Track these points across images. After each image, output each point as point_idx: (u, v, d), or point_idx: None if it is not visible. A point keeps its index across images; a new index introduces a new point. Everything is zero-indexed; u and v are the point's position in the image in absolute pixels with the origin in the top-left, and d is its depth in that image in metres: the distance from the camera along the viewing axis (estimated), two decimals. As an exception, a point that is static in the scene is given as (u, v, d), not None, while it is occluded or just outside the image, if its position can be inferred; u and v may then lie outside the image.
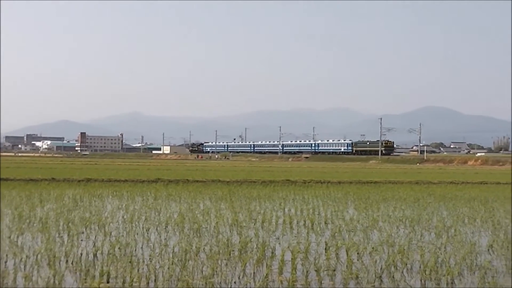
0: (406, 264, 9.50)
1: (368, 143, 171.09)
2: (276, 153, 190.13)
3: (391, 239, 11.80)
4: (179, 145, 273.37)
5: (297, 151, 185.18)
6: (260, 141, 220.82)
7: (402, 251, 10.31)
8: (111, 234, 12.24)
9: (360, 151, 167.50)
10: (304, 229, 13.72)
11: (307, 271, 8.88)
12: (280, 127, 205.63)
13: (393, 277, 8.76)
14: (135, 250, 10.55)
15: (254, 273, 8.95)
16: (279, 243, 11.43)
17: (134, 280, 8.28)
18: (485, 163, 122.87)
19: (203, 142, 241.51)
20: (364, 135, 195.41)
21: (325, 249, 10.70)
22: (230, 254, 10.20)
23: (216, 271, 8.87)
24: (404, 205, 19.63)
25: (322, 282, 8.44)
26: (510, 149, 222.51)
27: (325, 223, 14.75)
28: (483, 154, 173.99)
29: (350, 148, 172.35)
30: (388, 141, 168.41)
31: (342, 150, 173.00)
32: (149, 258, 9.76)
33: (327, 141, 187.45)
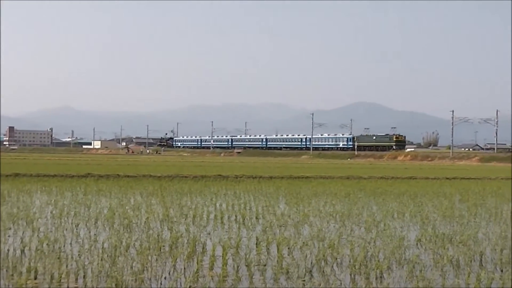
0: (336, 259, 9.57)
1: (374, 137, 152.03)
2: (258, 148, 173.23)
3: (322, 234, 11.87)
4: (110, 140, 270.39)
5: (284, 147, 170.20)
6: (239, 135, 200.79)
7: (332, 246, 10.38)
8: (39, 230, 12.02)
9: (364, 146, 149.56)
10: (235, 224, 13.71)
11: (237, 266, 8.87)
12: (212, 122, 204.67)
13: (323, 271, 8.80)
14: (64, 246, 10.39)
15: (184, 268, 8.90)
16: (210, 238, 11.39)
17: (63, 276, 8.15)
18: (414, 158, 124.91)
19: (172, 137, 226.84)
20: (368, 128, 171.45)
21: (256, 244, 10.70)
22: (160, 250, 10.12)
23: (146, 267, 8.79)
24: (335, 200, 19.79)
25: (253, 277, 8.44)
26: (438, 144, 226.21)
27: (256, 218, 14.77)
28: (413, 149, 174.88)
29: (351, 143, 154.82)
30: (399, 135, 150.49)
31: (341, 145, 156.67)
32: (78, 254, 9.62)
33: (321, 135, 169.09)
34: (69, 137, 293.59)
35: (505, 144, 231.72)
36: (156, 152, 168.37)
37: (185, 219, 14.16)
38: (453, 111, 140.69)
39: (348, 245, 10.63)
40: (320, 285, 8.03)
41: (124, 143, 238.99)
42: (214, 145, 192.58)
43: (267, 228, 12.83)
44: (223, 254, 9.52)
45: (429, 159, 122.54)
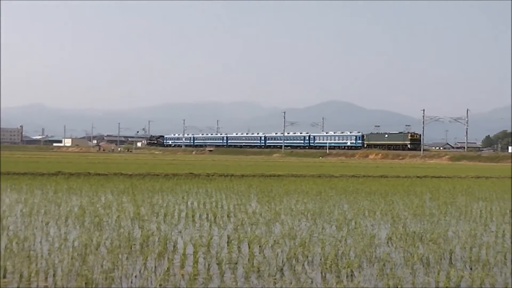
0: (307, 257, 9.58)
1: (386, 136, 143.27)
2: (255, 146, 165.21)
3: (293, 232, 11.89)
4: (81, 138, 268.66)
5: (285, 145, 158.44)
6: (235, 132, 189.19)
7: (303, 244, 10.39)
8: (8, 228, 11.91)
9: (374, 145, 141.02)
10: (207, 222, 13.69)
11: (208, 265, 8.86)
12: (184, 120, 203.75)
13: (294, 269, 8.81)
14: (34, 244, 10.31)
15: (155, 267, 8.86)
16: (181, 237, 11.36)
17: (32, 275, 8.07)
18: (385, 157, 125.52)
19: (163, 134, 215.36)
20: (379, 126, 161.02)
21: (227, 242, 10.69)
22: (131, 248, 10.07)
23: (117, 265, 8.74)
24: (307, 198, 19.82)
25: (224, 275, 8.43)
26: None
27: (228, 216, 14.75)
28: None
29: (360, 141, 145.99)
30: (414, 133, 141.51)
31: (349, 143, 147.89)
32: (48, 253, 9.54)
33: (326, 133, 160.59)
34: (39, 135, 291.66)
35: (475, 143, 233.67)
36: (128, 150, 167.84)
37: (156, 218, 14.11)
38: (424, 110, 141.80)
39: (319, 243, 10.65)
40: (291, 283, 8.03)
41: (95, 141, 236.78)
42: (209, 144, 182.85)
43: (238, 227, 12.83)
44: (194, 252, 9.50)
45: (400, 157, 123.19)
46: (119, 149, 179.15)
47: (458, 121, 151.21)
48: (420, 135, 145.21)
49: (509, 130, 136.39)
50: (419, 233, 12.09)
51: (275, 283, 8.06)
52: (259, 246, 10.33)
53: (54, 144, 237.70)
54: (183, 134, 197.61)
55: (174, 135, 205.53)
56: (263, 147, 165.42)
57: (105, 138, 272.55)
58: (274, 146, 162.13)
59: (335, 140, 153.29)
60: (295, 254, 9.65)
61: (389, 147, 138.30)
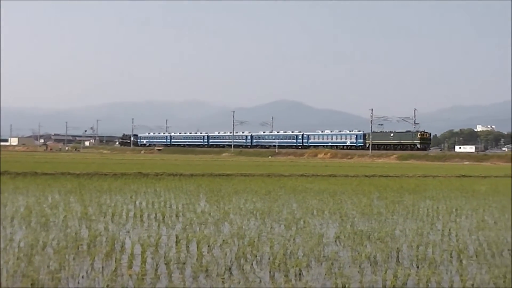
0: (256, 256, 9.58)
1: (392, 135, 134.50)
2: (240, 146, 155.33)
3: (242, 232, 11.88)
4: (28, 137, 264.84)
5: (275, 145, 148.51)
6: (217, 131, 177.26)
7: (252, 243, 10.39)
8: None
9: (379, 144, 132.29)
10: (155, 222, 13.61)
11: (157, 265, 8.80)
12: (132, 119, 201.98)
13: (242, 269, 8.80)
14: (-22, 245, 10.12)
15: (103, 267, 8.77)
16: (129, 237, 11.27)
17: (-24, 276, 7.93)
18: (334, 156, 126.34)
19: (136, 134, 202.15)
20: (382, 124, 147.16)
21: (176, 242, 10.63)
22: (78, 248, 9.96)
23: (64, 266, 8.64)
24: (256, 198, 19.83)
25: (172, 275, 8.38)
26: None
27: (176, 216, 14.69)
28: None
29: (361, 140, 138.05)
30: (424, 132, 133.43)
31: (348, 143, 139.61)
32: (-7, 254, 9.38)
33: (322, 131, 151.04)
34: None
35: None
36: (75, 149, 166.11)
37: (104, 217, 13.99)
38: (372, 110, 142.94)
39: (268, 242, 10.65)
40: (239, 282, 8.02)
41: (42, 140, 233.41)
42: (188, 143, 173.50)
43: (187, 226, 12.78)
44: (142, 252, 9.44)
45: (349, 157, 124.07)
46: (66, 148, 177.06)
47: (406, 121, 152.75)
48: (430, 133, 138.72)
49: (455, 130, 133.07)
50: (367, 232, 12.17)
51: (223, 282, 8.04)
52: (208, 246, 10.30)
53: (0, 144, 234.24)
54: (164, 133, 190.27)
55: (149, 133, 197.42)
56: (249, 147, 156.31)
57: (52, 137, 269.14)
58: (261, 146, 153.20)
59: (332, 139, 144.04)
60: (243, 253, 9.64)
61: (395, 147, 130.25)
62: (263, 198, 19.81)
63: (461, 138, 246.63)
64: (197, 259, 9.27)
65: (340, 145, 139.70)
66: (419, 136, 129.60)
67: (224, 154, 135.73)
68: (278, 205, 17.48)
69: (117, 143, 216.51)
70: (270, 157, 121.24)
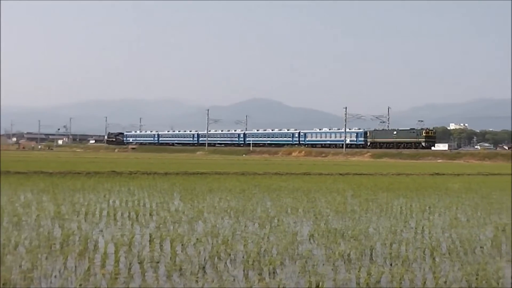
0: (230, 255, 9.56)
1: (395, 133, 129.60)
2: (232, 144, 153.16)
3: (216, 230, 11.85)
4: None
5: (269, 143, 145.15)
6: (213, 129, 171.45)
7: (226, 242, 10.38)
8: None
9: (381, 143, 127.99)
10: (129, 221, 13.54)
11: (130, 264, 8.75)
12: (106, 117, 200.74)
13: (216, 267, 8.78)
14: None
15: (75, 266, 8.70)
16: (103, 236, 11.20)
17: None
18: (308, 154, 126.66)
19: (122, 132, 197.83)
20: (384, 121, 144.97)
21: (149, 241, 10.59)
22: (51, 248, 9.88)
23: (36, 266, 8.55)
24: (230, 196, 19.81)
25: (145, 274, 8.34)
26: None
27: (150, 214, 14.63)
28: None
29: (362, 138, 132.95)
30: (429, 129, 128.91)
31: (348, 141, 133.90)
32: (-36, 254, 9.28)
33: (319, 129, 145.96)
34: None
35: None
36: (49, 148, 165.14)
37: (77, 216, 13.90)
38: (346, 108, 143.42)
39: (242, 241, 10.64)
40: (213, 281, 8.00)
41: (14, 139, 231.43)
42: (177, 142, 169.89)
43: (161, 225, 12.73)
44: (115, 251, 9.38)
45: (323, 155, 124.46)
46: (39, 146, 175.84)
47: (380, 119, 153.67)
48: (436, 131, 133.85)
49: (429, 128, 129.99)
50: (341, 230, 12.20)
51: (197, 281, 8.01)
52: (182, 245, 10.26)
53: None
54: (156, 131, 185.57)
55: (136, 131, 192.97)
56: (242, 145, 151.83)
57: (25, 135, 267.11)
58: (255, 145, 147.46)
59: (331, 137, 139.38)
60: (217, 252, 9.62)
61: (398, 145, 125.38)
62: (237, 197, 19.78)
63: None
64: (170, 258, 9.23)
65: (339, 144, 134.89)
66: (424, 134, 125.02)
67: (198, 153, 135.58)
68: (252, 204, 17.46)
69: (90, 141, 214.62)
70: (244, 155, 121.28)
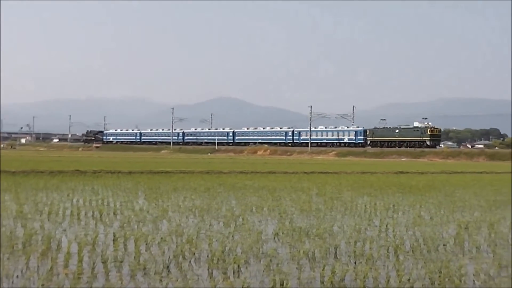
0: (194, 254, 9.53)
1: (397, 131, 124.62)
2: (222, 143, 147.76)
3: (180, 229, 11.82)
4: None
5: (260, 142, 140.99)
6: (194, 128, 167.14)
7: (190, 241, 10.34)
8: None
9: (382, 141, 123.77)
10: (93, 220, 13.44)
11: (94, 263, 8.67)
12: (70, 116, 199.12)
13: (181, 267, 8.75)
14: None
15: (38, 266, 8.61)
16: (66, 235, 11.10)
17: None
18: (274, 153, 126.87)
19: (102, 130, 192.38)
20: (384, 119, 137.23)
21: (113, 240, 10.51)
22: (13, 248, 9.77)
23: (-3, 266, 8.46)
24: (195, 195, 19.76)
25: (109, 274, 8.28)
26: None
27: (114, 213, 14.54)
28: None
29: (361, 137, 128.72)
30: (434, 127, 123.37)
31: (346, 140, 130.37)
32: None
33: (315, 128, 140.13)
34: None
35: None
36: (11, 147, 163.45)
37: (40, 216, 13.76)
38: (311, 107, 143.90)
39: (207, 240, 10.62)
40: (177, 280, 7.97)
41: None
42: (160, 141, 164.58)
43: (125, 224, 12.65)
44: (78, 251, 9.30)
45: (288, 153, 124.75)
46: (2, 145, 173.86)
47: (344, 118, 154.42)
48: (441, 130, 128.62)
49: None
50: (306, 229, 12.22)
51: (161, 280, 7.97)
52: (146, 244, 10.21)
53: None
54: (136, 129, 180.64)
55: (116, 130, 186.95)
56: (231, 144, 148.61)
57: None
58: (245, 143, 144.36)
59: (327, 136, 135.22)
60: (182, 251, 9.59)
61: (400, 144, 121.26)
62: (202, 196, 19.74)
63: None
64: (134, 257, 9.18)
65: (336, 143, 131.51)
66: (429, 132, 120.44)
67: (163, 151, 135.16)
68: (217, 202, 17.44)
69: (54, 140, 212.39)
70: (209, 154, 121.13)
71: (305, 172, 38.00)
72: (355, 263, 9.33)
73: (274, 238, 11.39)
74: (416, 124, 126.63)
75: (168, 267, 8.68)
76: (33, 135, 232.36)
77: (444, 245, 10.91)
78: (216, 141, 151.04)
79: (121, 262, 8.94)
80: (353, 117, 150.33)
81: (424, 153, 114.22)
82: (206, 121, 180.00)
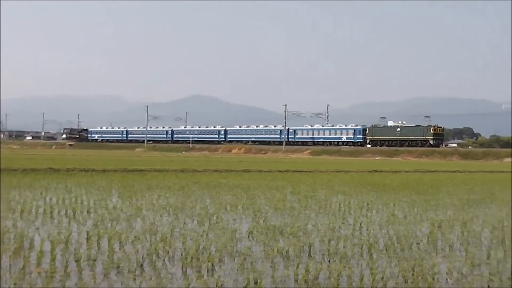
0: (168, 252, 9.50)
1: (398, 130, 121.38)
2: (212, 142, 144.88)
3: (154, 228, 11.78)
4: None
5: (253, 140, 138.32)
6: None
7: (164, 239, 10.31)
8: None
9: (382, 140, 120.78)
10: (66, 218, 13.36)
11: (66, 262, 8.61)
12: (43, 113, 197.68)
13: (154, 265, 8.71)
14: None
15: (10, 265, 8.54)
16: (39, 234, 11.02)
17: None
18: (248, 151, 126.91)
19: (86, 128, 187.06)
20: (384, 117, 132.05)
21: (87, 238, 10.45)
22: (-16, 246, 9.68)
23: (-32, 265, 8.38)
24: (169, 193, 19.71)
25: (82, 272, 8.23)
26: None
27: (88, 212, 14.46)
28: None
29: (360, 136, 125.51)
30: (437, 126, 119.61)
31: (344, 139, 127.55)
32: None
33: (311, 126, 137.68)
34: None
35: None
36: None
37: (13, 214, 13.65)
38: (286, 105, 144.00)
39: (181, 238, 10.59)
40: (151, 279, 7.93)
41: None
42: (148, 139, 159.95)
43: (98, 222, 12.59)
44: (51, 249, 9.23)
45: (263, 152, 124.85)
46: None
47: (319, 116, 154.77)
48: (444, 128, 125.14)
49: (367, 126, 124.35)
50: (280, 227, 12.23)
51: (135, 279, 7.93)
52: (119, 242, 10.16)
53: None
54: (122, 127, 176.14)
55: (101, 128, 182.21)
56: (222, 142, 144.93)
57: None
58: (237, 142, 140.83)
59: (324, 134, 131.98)
60: (156, 249, 9.55)
61: (402, 143, 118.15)
62: (176, 194, 19.70)
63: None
64: (108, 255, 9.13)
65: (334, 141, 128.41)
66: (432, 131, 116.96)
67: (137, 150, 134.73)
68: (191, 201, 17.41)
69: (27, 137, 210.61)
70: (184, 152, 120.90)
71: (280, 171, 38.02)
72: (329, 261, 9.35)
73: (248, 236, 11.38)
74: (390, 123, 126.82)
75: (141, 265, 8.65)
76: (6, 133, 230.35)
77: (417, 243, 10.96)
78: (207, 139, 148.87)
79: (95, 260, 8.89)
80: (327, 116, 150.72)
81: (398, 152, 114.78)
82: (181, 119, 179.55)
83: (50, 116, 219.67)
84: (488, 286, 8.10)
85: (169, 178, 27.83)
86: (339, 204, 17.52)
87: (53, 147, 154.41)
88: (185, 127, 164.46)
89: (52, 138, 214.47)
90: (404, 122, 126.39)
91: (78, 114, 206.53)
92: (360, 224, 13.15)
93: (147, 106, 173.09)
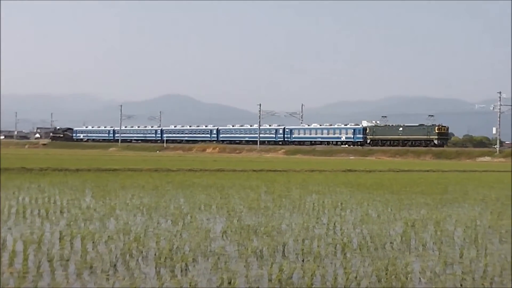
0: (142, 252, 9.47)
1: (401, 129, 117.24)
2: (205, 141, 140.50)
3: (128, 227, 11.73)
4: None
5: (247, 140, 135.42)
6: (173, 125, 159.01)
7: (138, 239, 10.27)
8: None
9: (383, 140, 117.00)
10: (39, 218, 13.26)
11: (39, 262, 8.55)
12: (16, 113, 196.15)
13: (128, 265, 8.67)
14: None
15: (-18, 265, 8.46)
16: (11, 234, 10.93)
17: None
18: (223, 150, 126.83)
19: (71, 127, 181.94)
20: (385, 116, 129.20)
21: (60, 238, 10.39)
22: (-44, 247, 9.58)
23: None
24: (143, 193, 19.64)
25: (55, 272, 8.16)
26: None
27: (61, 212, 14.37)
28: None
29: (360, 135, 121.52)
30: (442, 125, 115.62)
31: (343, 138, 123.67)
32: None
33: (308, 125, 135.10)
34: None
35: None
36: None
37: (-15, 214, 13.54)
38: (260, 105, 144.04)
39: (154, 238, 10.56)
40: (124, 279, 7.90)
41: None
42: (135, 138, 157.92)
43: (71, 222, 12.51)
44: (24, 249, 9.16)
45: (237, 151, 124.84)
46: None
47: (293, 116, 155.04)
48: (448, 128, 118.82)
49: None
50: (254, 227, 12.23)
51: (108, 279, 7.89)
52: (93, 242, 10.11)
53: None
54: (109, 126, 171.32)
55: (87, 127, 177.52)
56: (214, 142, 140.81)
57: None
58: (230, 142, 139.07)
59: (322, 134, 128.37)
60: (129, 249, 9.51)
61: (404, 143, 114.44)
62: (150, 193, 19.64)
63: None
64: (81, 255, 9.07)
65: (333, 141, 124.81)
66: (437, 131, 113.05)
67: (111, 149, 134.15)
68: (165, 200, 17.36)
69: (0, 137, 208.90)
70: (158, 151, 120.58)
71: (254, 170, 38.04)
72: (303, 260, 9.36)
73: (222, 236, 11.37)
74: (364, 122, 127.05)
75: (115, 265, 8.61)
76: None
77: (391, 243, 11.01)
78: (199, 139, 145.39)
79: (67, 260, 8.84)
80: (302, 115, 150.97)
81: (372, 151, 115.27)
82: (154, 118, 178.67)
83: (22, 115, 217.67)
84: (461, 285, 8.15)
85: (143, 177, 27.74)
86: (313, 204, 17.54)
87: (26, 146, 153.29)
88: (175, 127, 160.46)
89: (25, 137, 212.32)
90: (378, 122, 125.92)
91: (51, 113, 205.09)
92: (334, 224, 13.18)
93: (121, 106, 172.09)
